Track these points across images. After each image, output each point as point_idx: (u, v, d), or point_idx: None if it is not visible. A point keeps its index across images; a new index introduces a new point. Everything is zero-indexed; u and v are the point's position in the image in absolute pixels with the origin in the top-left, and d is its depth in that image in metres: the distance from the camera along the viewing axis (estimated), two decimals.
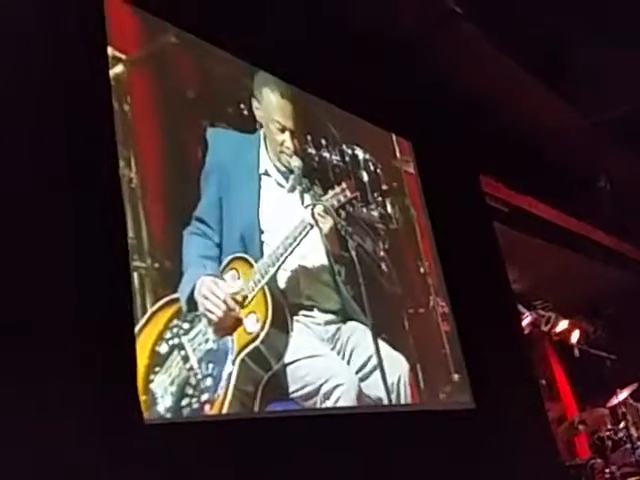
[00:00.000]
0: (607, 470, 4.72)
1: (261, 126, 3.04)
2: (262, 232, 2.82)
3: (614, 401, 5.60)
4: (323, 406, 2.71)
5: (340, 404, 2.77)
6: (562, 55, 4.63)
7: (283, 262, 2.82)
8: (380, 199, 3.60)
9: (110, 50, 2.49)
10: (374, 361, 2.95)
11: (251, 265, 2.70)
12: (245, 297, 2.63)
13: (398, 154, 3.93)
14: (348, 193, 3.26)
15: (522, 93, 4.79)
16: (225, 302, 2.54)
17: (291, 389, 2.64)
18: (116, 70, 2.49)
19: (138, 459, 1.99)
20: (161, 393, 2.21)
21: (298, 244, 2.90)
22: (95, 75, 2.42)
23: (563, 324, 6.94)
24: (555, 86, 4.89)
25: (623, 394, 5.63)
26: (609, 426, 5.49)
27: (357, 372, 2.92)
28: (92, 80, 2.39)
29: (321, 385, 2.73)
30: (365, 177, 3.56)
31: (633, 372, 5.91)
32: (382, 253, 3.44)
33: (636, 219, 6.83)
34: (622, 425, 5.44)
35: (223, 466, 2.21)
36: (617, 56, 4.60)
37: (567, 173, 5.70)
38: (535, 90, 4.81)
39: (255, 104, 3.05)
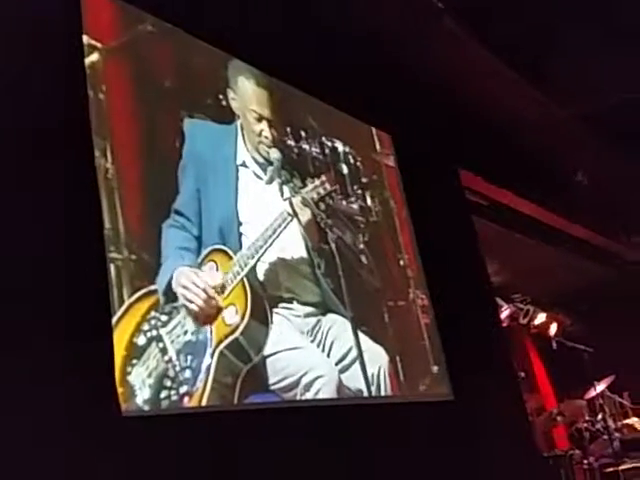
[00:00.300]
0: (585, 461, 4.76)
1: (238, 117, 3.00)
2: (241, 224, 2.79)
3: (592, 393, 5.65)
4: (303, 398, 2.69)
5: (320, 396, 2.75)
6: (541, 49, 4.65)
7: (262, 254, 2.80)
8: (360, 192, 3.59)
9: (85, 38, 2.46)
10: (354, 353, 2.94)
11: (230, 257, 2.68)
12: (224, 288, 2.61)
13: (378, 147, 3.92)
14: (328, 186, 3.24)
15: (502, 87, 4.81)
16: (205, 291, 2.52)
17: (271, 381, 2.62)
18: (91, 58, 2.45)
19: (116, 452, 1.97)
20: (139, 385, 2.18)
21: (277, 236, 2.88)
22: (70, 63, 2.38)
23: (541, 317, 7.01)
24: (534, 79, 4.92)
25: (600, 386, 5.69)
26: (587, 417, 5.54)
27: (337, 364, 2.92)
28: (67, 68, 2.35)
29: (301, 377, 2.72)
30: (345, 170, 3.55)
31: (610, 365, 5.97)
32: (362, 246, 3.43)
33: (613, 213, 6.90)
34: (600, 417, 5.49)
35: (202, 458, 2.19)
36: (597, 49, 4.63)
37: (545, 167, 5.74)
38: (515, 84, 4.83)
39: (231, 94, 3.01)
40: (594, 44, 4.65)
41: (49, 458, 1.83)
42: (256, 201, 2.92)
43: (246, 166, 2.97)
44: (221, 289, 2.59)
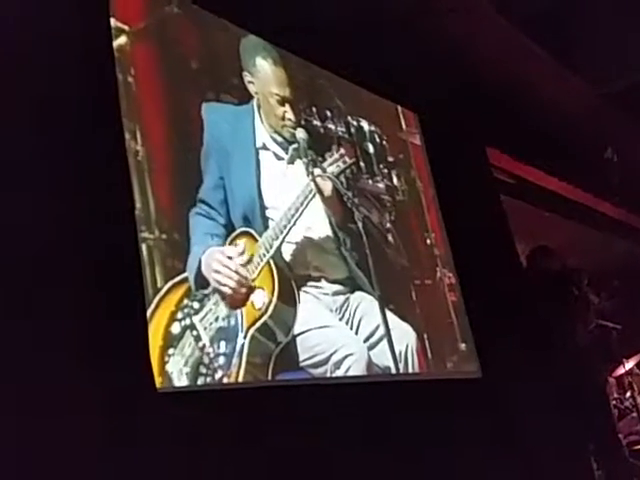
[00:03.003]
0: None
1: (252, 97, 2.95)
2: (265, 208, 2.78)
3: (620, 371, 5.60)
4: (334, 375, 2.71)
5: (350, 373, 2.77)
6: (570, 25, 4.56)
7: (287, 234, 2.79)
8: (386, 171, 3.58)
9: (113, 21, 2.46)
10: (382, 331, 2.94)
11: (255, 240, 2.68)
12: (253, 270, 2.62)
13: (404, 126, 3.89)
14: (347, 159, 3.21)
15: (530, 64, 4.73)
16: (237, 272, 2.53)
17: (301, 359, 2.64)
18: (119, 41, 2.46)
19: (153, 429, 2.00)
20: (177, 374, 2.21)
21: (300, 215, 2.87)
22: (99, 47, 2.39)
23: None
24: (563, 57, 4.83)
25: (629, 364, 5.64)
26: (615, 395, 5.50)
27: (365, 341, 2.92)
28: (96, 52, 2.36)
29: (331, 355, 2.73)
30: (371, 149, 3.53)
31: (639, 342, 5.91)
32: (388, 225, 3.42)
33: None
34: (628, 394, 5.44)
35: (232, 434, 2.22)
36: (626, 26, 4.53)
37: (574, 144, 5.65)
38: (543, 61, 4.75)
39: (248, 77, 2.95)
40: (623, 20, 4.55)
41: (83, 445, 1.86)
42: (278, 183, 2.91)
43: (266, 148, 2.94)
44: (251, 270, 2.60)
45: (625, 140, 6.05)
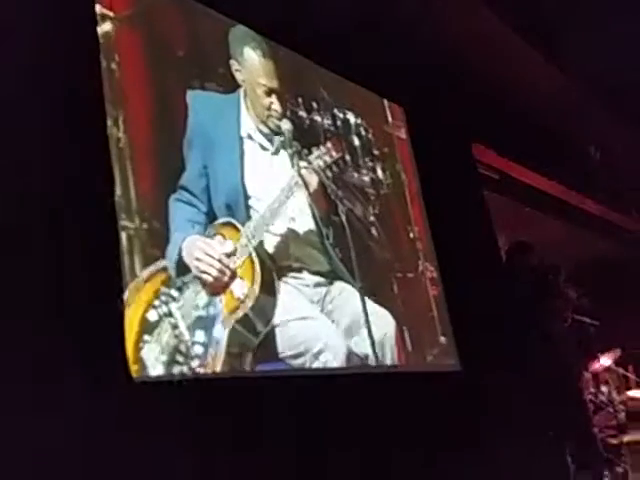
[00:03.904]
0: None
1: (239, 86, 2.92)
2: (248, 198, 2.76)
3: (597, 366, 5.64)
4: (313, 366, 2.70)
5: (329, 365, 2.76)
6: (558, 22, 4.55)
7: (270, 225, 2.78)
8: (371, 164, 3.56)
9: (98, 7, 2.42)
10: (362, 320, 2.94)
11: (238, 230, 2.65)
12: (234, 260, 2.59)
13: (390, 119, 3.87)
14: (334, 153, 3.20)
15: (516, 60, 4.73)
16: (220, 261, 2.51)
17: (280, 350, 2.62)
18: (104, 28, 2.42)
19: (128, 417, 1.98)
20: (152, 362, 2.18)
21: (285, 207, 2.85)
22: (83, 33, 2.35)
23: None
24: (549, 53, 4.83)
25: (606, 359, 5.68)
26: (592, 390, 5.54)
27: (345, 333, 2.92)
28: (80, 38, 2.33)
29: (310, 346, 2.72)
30: (356, 142, 3.51)
31: (616, 338, 5.96)
32: (372, 218, 3.41)
33: (625, 188, 6.81)
34: (604, 389, 5.49)
35: (208, 426, 2.20)
36: (615, 23, 4.53)
37: (558, 142, 5.67)
38: (529, 57, 4.75)
39: (235, 66, 2.93)
40: (611, 16, 4.55)
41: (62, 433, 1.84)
42: (263, 173, 2.88)
43: (251, 138, 2.91)
44: (233, 259, 2.58)
45: (609, 138, 6.08)
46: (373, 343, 2.95)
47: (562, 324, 4.49)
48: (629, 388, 6.38)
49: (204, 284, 2.45)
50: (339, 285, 3.00)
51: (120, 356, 2.07)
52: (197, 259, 2.44)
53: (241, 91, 2.93)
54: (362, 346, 2.93)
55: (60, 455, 1.80)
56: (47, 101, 2.14)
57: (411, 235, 3.68)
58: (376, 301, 3.11)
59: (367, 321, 2.94)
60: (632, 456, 4.32)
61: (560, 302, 4.57)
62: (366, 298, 3.00)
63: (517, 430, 3.55)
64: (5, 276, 1.86)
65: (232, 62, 2.93)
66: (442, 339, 3.55)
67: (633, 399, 5.89)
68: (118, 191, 2.25)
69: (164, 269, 2.33)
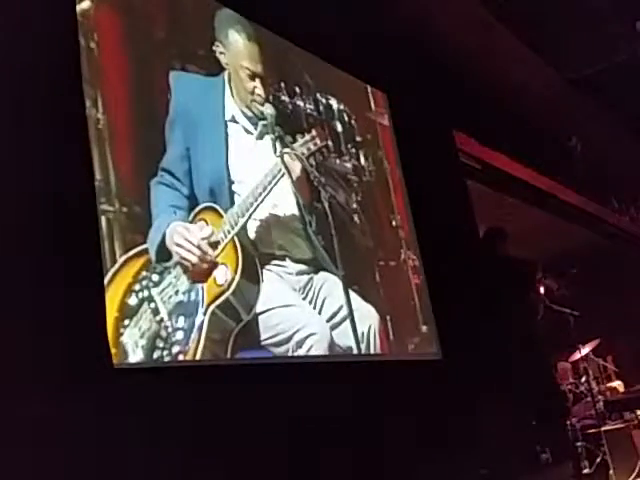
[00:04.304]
0: (568, 422, 4.82)
1: (224, 69, 2.90)
2: (232, 182, 2.74)
3: (576, 356, 5.71)
4: (295, 354, 2.69)
5: (312, 353, 2.76)
6: (540, 11, 4.57)
7: (253, 212, 2.75)
8: (354, 151, 3.55)
9: None
10: (345, 311, 2.94)
11: (220, 215, 2.63)
12: (216, 246, 2.57)
13: (373, 106, 3.86)
14: (318, 141, 3.19)
15: (500, 49, 4.75)
16: (199, 247, 2.48)
17: (263, 337, 2.61)
18: (83, 6, 2.36)
19: (110, 405, 1.96)
20: (132, 346, 2.16)
21: (268, 193, 2.83)
22: (61, 11, 2.29)
23: None
24: (531, 42, 4.85)
25: (585, 349, 5.75)
26: (571, 380, 5.61)
27: (328, 321, 2.91)
28: (58, 16, 2.27)
29: (293, 334, 2.71)
30: (339, 128, 3.49)
31: (595, 329, 6.03)
32: (355, 205, 3.40)
33: (605, 179, 6.89)
34: (584, 379, 5.55)
35: (190, 412, 2.19)
36: (594, 13, 4.56)
37: (540, 132, 5.70)
38: (511, 46, 4.76)
39: (220, 48, 2.90)
40: (592, 7, 4.58)
41: (42, 416, 1.81)
42: (247, 157, 2.86)
43: (235, 121, 2.89)
44: (214, 245, 2.56)
45: (590, 128, 6.13)
46: (356, 336, 2.95)
47: (536, 316, 4.56)
48: (608, 378, 6.47)
49: (185, 270, 2.43)
50: (323, 275, 2.99)
51: (101, 341, 2.03)
52: (178, 244, 2.41)
53: (225, 74, 2.90)
54: (345, 339, 2.93)
55: (43, 441, 1.78)
56: (24, 80, 2.09)
57: (393, 223, 3.68)
58: (359, 292, 3.11)
59: (351, 314, 2.94)
60: (610, 445, 4.37)
61: (535, 295, 4.66)
62: (350, 290, 2.99)
63: (491, 419, 3.57)
64: None
65: (217, 44, 2.90)
66: (423, 328, 3.56)
67: (612, 389, 5.98)
68: (98, 175, 2.21)
69: (145, 251, 2.31)
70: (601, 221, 7.18)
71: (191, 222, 2.51)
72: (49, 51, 2.18)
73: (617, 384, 6.21)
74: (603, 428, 4.58)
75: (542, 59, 4.99)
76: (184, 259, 2.43)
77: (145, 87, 2.55)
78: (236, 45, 3.00)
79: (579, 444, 4.44)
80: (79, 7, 2.35)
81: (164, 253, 2.37)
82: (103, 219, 2.20)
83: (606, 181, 6.95)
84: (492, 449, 3.43)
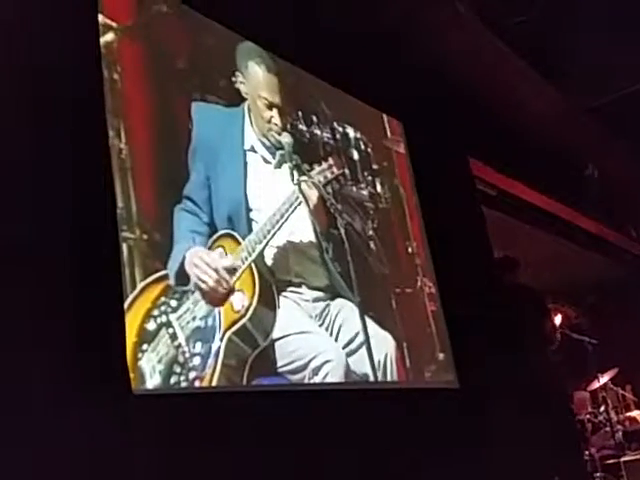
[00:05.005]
0: (587, 452, 4.78)
1: (244, 99, 2.98)
2: (250, 210, 2.80)
3: (595, 385, 5.67)
4: (312, 381, 2.71)
5: (328, 380, 2.77)
6: (556, 40, 4.63)
7: (270, 239, 2.80)
8: (370, 178, 3.60)
9: (101, 18, 2.46)
10: (361, 338, 2.96)
11: (238, 242, 2.68)
12: (234, 272, 2.61)
13: (389, 134, 3.92)
14: (335, 169, 3.25)
15: (514, 78, 4.81)
16: (217, 271, 2.53)
17: (279, 364, 2.64)
18: (107, 38, 2.45)
19: (127, 430, 1.99)
20: (149, 371, 2.20)
21: (285, 220, 2.88)
22: (86, 43, 2.38)
23: None
24: (547, 71, 4.90)
25: (604, 379, 5.71)
26: (589, 409, 5.57)
27: (344, 348, 2.93)
28: (82, 48, 2.36)
29: (310, 360, 2.74)
30: (356, 156, 3.55)
31: (614, 358, 5.99)
32: (371, 232, 3.44)
33: (622, 207, 6.88)
34: (602, 409, 5.51)
35: (205, 438, 2.21)
36: (610, 41, 4.61)
37: (556, 159, 5.73)
38: (527, 74, 4.82)
39: (240, 78, 2.98)
40: (608, 35, 4.63)
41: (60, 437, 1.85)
42: (265, 186, 2.92)
43: (254, 151, 2.96)
44: (231, 271, 2.60)
45: (606, 156, 6.15)
46: (373, 363, 2.97)
47: (551, 345, 4.56)
48: (627, 408, 6.41)
49: (203, 294, 2.47)
50: (339, 302, 3.02)
51: (120, 366, 2.08)
52: (196, 266, 2.46)
53: (245, 105, 2.98)
54: (361, 366, 2.95)
55: (60, 465, 1.81)
56: (49, 111, 2.17)
57: (409, 250, 3.71)
58: (375, 319, 3.13)
59: (367, 342, 2.96)
60: (630, 476, 4.33)
61: (550, 324, 4.67)
62: (366, 317, 3.01)
63: (507, 448, 3.55)
64: (8, 285, 1.87)
65: (237, 74, 2.98)
66: (440, 355, 3.57)
67: (631, 419, 5.92)
68: (120, 203, 2.27)
69: (164, 277, 2.36)
70: (619, 249, 7.16)
71: (209, 248, 2.56)
72: (74, 83, 2.26)
73: (636, 414, 6.15)
74: (622, 459, 4.55)
75: (557, 88, 5.04)
76: (202, 281, 2.48)
77: (167, 117, 2.63)
78: (255, 76, 3.08)
79: (598, 475, 4.40)
80: (103, 39, 2.44)
81: (183, 276, 2.42)
82: (124, 246, 2.25)
83: (624, 209, 6.94)
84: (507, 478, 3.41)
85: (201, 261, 2.48)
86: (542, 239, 6.12)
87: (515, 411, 3.71)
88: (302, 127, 3.24)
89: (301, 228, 3.00)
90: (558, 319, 6.95)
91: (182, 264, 2.42)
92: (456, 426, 3.25)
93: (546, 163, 5.58)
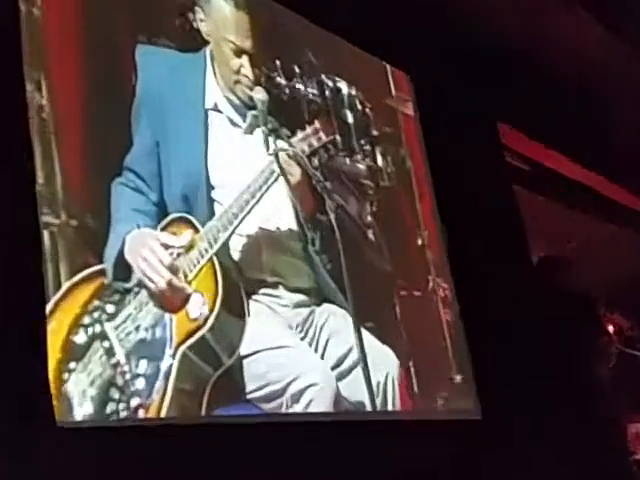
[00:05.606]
0: None
1: (205, 43, 2.96)
2: (212, 188, 2.79)
3: None
4: (291, 411, 2.70)
5: (312, 409, 2.77)
6: None
7: (238, 225, 2.78)
8: (368, 148, 3.59)
9: None
10: (355, 355, 2.94)
11: (196, 229, 2.68)
12: (189, 269, 2.60)
13: (394, 91, 3.91)
14: (323, 136, 3.22)
15: (552, 16, 4.77)
16: (170, 267, 2.52)
17: (249, 389, 2.63)
18: None
19: (51, 473, 1.97)
20: (78, 397, 2.18)
21: (258, 202, 2.86)
22: None
23: None
24: (599, 15, 4.88)
25: None
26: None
27: (333, 369, 2.93)
28: None
29: (288, 384, 2.73)
30: (350, 118, 3.54)
31: None
32: (369, 218, 3.44)
33: None
34: None
35: None
36: None
37: (608, 126, 5.72)
38: (569, 13, 4.80)
39: (200, 15, 2.96)
40: None
41: None
42: (231, 156, 2.91)
43: (218, 110, 2.95)
44: (187, 269, 2.59)
45: None
46: (370, 388, 2.96)
47: (606, 365, 4.57)
48: None
49: (151, 295, 2.46)
50: (327, 308, 3.02)
51: (40, 390, 2.05)
52: (143, 259, 2.46)
53: (207, 50, 2.96)
54: (355, 392, 2.94)
55: None
56: None
57: (419, 241, 3.71)
58: (374, 331, 3.13)
59: (363, 359, 2.94)
60: None
61: (604, 338, 4.67)
62: (362, 328, 3.01)
63: None
64: None
65: (197, 10, 2.96)
66: (457, 377, 3.57)
67: None
68: (40, 179, 2.25)
69: (98, 274, 2.34)
70: None
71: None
72: None
73: None
74: None
75: (613, 35, 5.01)
76: (149, 280, 2.46)
77: (103, 65, 2.60)
78: (220, 13, 3.04)
79: None
80: None
81: (123, 268, 2.41)
82: (46, 234, 2.23)
83: None
84: None
85: (149, 251, 2.47)
86: (588, 225, 6.14)
87: (555, 451, 3.72)
88: (280, 80, 3.23)
89: (278, 212, 2.99)
90: (610, 330, 6.99)
91: (121, 252, 2.40)
92: (476, 469, 3.25)
93: (594, 131, 5.57)
